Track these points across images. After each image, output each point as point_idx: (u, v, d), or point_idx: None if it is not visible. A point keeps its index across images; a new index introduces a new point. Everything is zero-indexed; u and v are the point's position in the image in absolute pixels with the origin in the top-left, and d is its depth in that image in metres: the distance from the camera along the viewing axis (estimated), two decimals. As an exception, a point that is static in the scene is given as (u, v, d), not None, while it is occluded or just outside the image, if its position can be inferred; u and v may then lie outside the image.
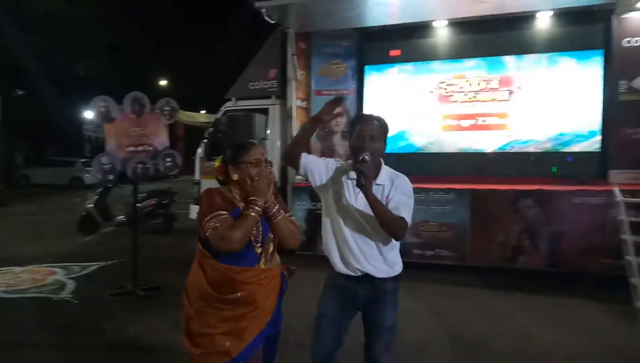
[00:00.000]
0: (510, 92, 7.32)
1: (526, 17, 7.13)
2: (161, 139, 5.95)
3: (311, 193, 7.10)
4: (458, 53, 7.64)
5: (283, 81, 7.87)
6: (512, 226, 6.33)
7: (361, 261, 2.53)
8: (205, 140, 8.56)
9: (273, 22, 7.35)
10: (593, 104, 6.93)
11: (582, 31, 7.05)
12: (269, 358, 2.40)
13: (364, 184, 2.31)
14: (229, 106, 8.50)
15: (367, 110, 7.58)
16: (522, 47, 7.31)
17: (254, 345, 2.25)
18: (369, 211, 2.41)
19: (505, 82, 7.36)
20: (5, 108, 16.24)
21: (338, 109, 2.55)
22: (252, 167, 2.30)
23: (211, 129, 8.57)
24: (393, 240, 2.53)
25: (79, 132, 27.70)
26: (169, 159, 5.94)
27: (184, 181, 15.02)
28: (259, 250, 2.31)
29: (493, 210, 6.44)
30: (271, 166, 2.39)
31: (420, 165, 7.41)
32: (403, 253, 2.67)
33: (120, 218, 9.82)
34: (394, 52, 7.99)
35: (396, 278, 2.61)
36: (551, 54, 7.16)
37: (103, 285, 6.05)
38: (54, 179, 21.92)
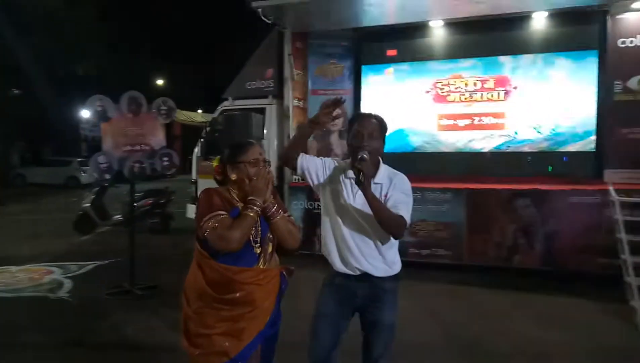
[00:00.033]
0: (506, 92, 7.36)
1: (522, 18, 7.16)
2: (158, 139, 5.95)
3: (308, 192, 7.12)
4: (454, 53, 7.67)
5: (280, 81, 7.86)
6: (508, 226, 6.36)
7: (360, 260, 2.52)
8: (202, 139, 8.57)
9: (269, 22, 7.35)
10: (588, 104, 6.97)
11: (578, 32, 7.09)
12: (267, 358, 2.39)
13: (363, 182, 2.30)
14: (226, 105, 8.49)
15: (363, 110, 7.58)
16: (518, 47, 7.34)
17: (252, 345, 2.24)
18: (367, 209, 2.41)
19: (501, 82, 7.39)
20: (1, 107, 16.20)
21: (337, 111, 2.53)
22: (250, 167, 2.29)
23: (208, 129, 8.58)
24: (392, 239, 2.52)
25: (75, 132, 27.67)
26: (165, 158, 5.94)
27: (181, 181, 14.98)
28: (258, 250, 2.29)
29: (489, 209, 6.46)
30: (269, 165, 2.37)
31: (416, 165, 7.43)
32: (400, 252, 2.66)
33: (117, 217, 9.79)
34: (391, 52, 8.02)
35: (395, 277, 2.60)
36: (547, 54, 7.19)
37: (100, 284, 6.04)
38: (50, 179, 21.83)
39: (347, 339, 2.66)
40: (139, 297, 5.61)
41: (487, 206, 6.48)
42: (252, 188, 2.25)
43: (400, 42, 7.96)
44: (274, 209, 2.33)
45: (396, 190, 2.50)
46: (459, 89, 7.59)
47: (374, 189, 2.45)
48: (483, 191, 6.59)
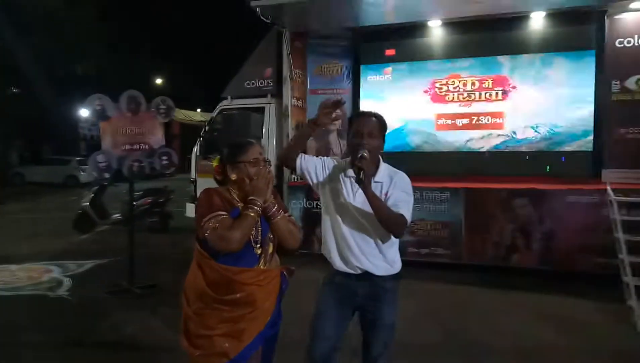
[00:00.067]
0: (504, 92, 7.38)
1: (520, 18, 7.17)
2: (157, 138, 5.96)
3: (307, 191, 7.12)
4: (453, 53, 7.69)
5: (279, 80, 7.87)
6: (506, 225, 6.39)
7: (360, 259, 2.52)
8: (201, 138, 8.58)
9: (268, 21, 7.36)
10: (586, 104, 6.99)
11: (576, 32, 7.10)
12: (267, 358, 2.39)
13: (364, 180, 2.29)
14: (224, 104, 8.51)
15: (362, 109, 7.60)
16: (516, 47, 7.35)
17: (252, 346, 2.23)
18: (367, 208, 2.40)
19: (499, 82, 7.41)
20: (0, 106, 16.19)
21: (337, 112, 2.52)
22: (250, 166, 2.27)
23: (207, 128, 8.59)
24: (392, 237, 2.51)
25: (74, 131, 27.66)
26: (164, 157, 5.96)
27: (180, 180, 14.99)
28: (259, 251, 2.28)
29: (487, 209, 6.49)
30: (270, 165, 2.36)
31: (414, 164, 7.44)
32: (398, 251, 2.66)
33: (116, 216, 9.80)
34: (389, 52, 8.04)
35: (396, 276, 2.59)
36: (545, 54, 7.21)
37: (99, 283, 6.06)
38: (49, 178, 21.80)
39: (347, 338, 2.66)
40: (138, 296, 5.62)
41: (486, 206, 6.50)
42: (253, 187, 2.24)
43: (398, 42, 7.97)
44: (274, 209, 2.31)
45: (397, 189, 2.50)
46: (457, 89, 7.61)
47: (374, 187, 2.44)
48: (481, 191, 6.61)
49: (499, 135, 7.43)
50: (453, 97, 7.63)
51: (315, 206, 6.95)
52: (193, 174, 8.73)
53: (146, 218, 9.76)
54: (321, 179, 2.63)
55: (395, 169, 2.62)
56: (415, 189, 2.60)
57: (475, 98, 7.52)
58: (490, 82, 7.44)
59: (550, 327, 4.76)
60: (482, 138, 7.51)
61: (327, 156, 2.92)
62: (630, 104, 6.57)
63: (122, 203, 9.46)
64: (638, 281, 5.02)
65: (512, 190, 6.43)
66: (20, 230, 10.42)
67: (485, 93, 7.46)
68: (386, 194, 2.49)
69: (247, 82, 8.33)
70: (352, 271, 2.55)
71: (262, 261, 2.30)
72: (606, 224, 5.71)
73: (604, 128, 6.79)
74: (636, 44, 6.57)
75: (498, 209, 6.43)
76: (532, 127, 7.26)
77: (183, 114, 15.18)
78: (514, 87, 7.34)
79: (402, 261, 2.66)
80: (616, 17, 6.66)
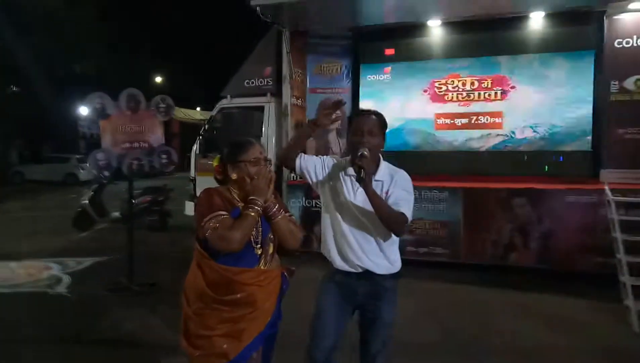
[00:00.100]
0: (504, 92, 7.39)
1: (519, 18, 7.18)
2: (157, 136, 5.95)
3: (306, 190, 7.13)
4: (452, 53, 7.70)
5: (278, 79, 7.87)
6: (504, 224, 6.40)
7: (361, 257, 2.52)
8: (201, 137, 8.59)
9: (268, 20, 7.37)
10: (585, 104, 7.01)
11: (575, 32, 7.11)
12: (266, 358, 2.39)
13: (364, 179, 2.29)
14: (224, 103, 8.50)
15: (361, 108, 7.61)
16: (516, 47, 7.37)
17: (252, 346, 2.23)
18: (368, 206, 2.41)
19: (498, 81, 7.42)
20: (0, 105, 16.20)
21: (337, 113, 2.52)
22: (251, 166, 2.26)
23: (207, 127, 8.60)
24: (393, 236, 2.52)
25: (74, 129, 27.62)
26: (164, 156, 5.95)
27: (179, 178, 14.96)
28: (259, 251, 2.27)
29: (486, 208, 6.50)
30: (270, 164, 2.35)
31: (413, 163, 7.43)
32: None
33: (116, 214, 9.80)
34: (389, 51, 8.05)
35: (396, 275, 2.60)
36: (544, 54, 7.23)
37: (98, 280, 6.07)
38: (49, 176, 21.75)
39: (346, 335, 2.67)
40: (137, 294, 5.63)
41: (484, 205, 6.52)
42: (253, 187, 2.23)
43: (398, 42, 7.99)
44: (275, 209, 2.31)
45: (397, 187, 2.51)
46: (456, 89, 7.62)
47: (375, 186, 2.43)
48: (480, 190, 6.63)
49: (498, 135, 7.45)
50: (452, 97, 7.65)
51: (314, 204, 6.96)
52: (192, 172, 8.73)
53: (145, 216, 9.75)
54: (321, 178, 2.63)
55: (396, 168, 2.63)
56: (414, 188, 2.60)
57: (474, 98, 7.54)
58: (490, 82, 7.46)
59: (547, 326, 4.77)
60: (481, 137, 7.53)
61: (327, 155, 2.92)
62: (629, 105, 6.59)
63: (122, 201, 9.43)
64: (635, 280, 5.03)
65: (510, 190, 6.45)
66: (20, 227, 10.43)
67: (485, 93, 7.48)
68: (387, 193, 2.49)
69: (247, 81, 8.33)
70: (352, 270, 2.55)
71: (262, 261, 2.29)
72: (604, 224, 5.73)
73: (603, 128, 6.81)
74: (635, 45, 6.59)
75: (497, 209, 6.45)
76: (531, 127, 7.28)
77: (183, 113, 15.21)
78: (513, 87, 7.35)
79: (401, 260, 2.66)
80: (615, 17, 6.68)
